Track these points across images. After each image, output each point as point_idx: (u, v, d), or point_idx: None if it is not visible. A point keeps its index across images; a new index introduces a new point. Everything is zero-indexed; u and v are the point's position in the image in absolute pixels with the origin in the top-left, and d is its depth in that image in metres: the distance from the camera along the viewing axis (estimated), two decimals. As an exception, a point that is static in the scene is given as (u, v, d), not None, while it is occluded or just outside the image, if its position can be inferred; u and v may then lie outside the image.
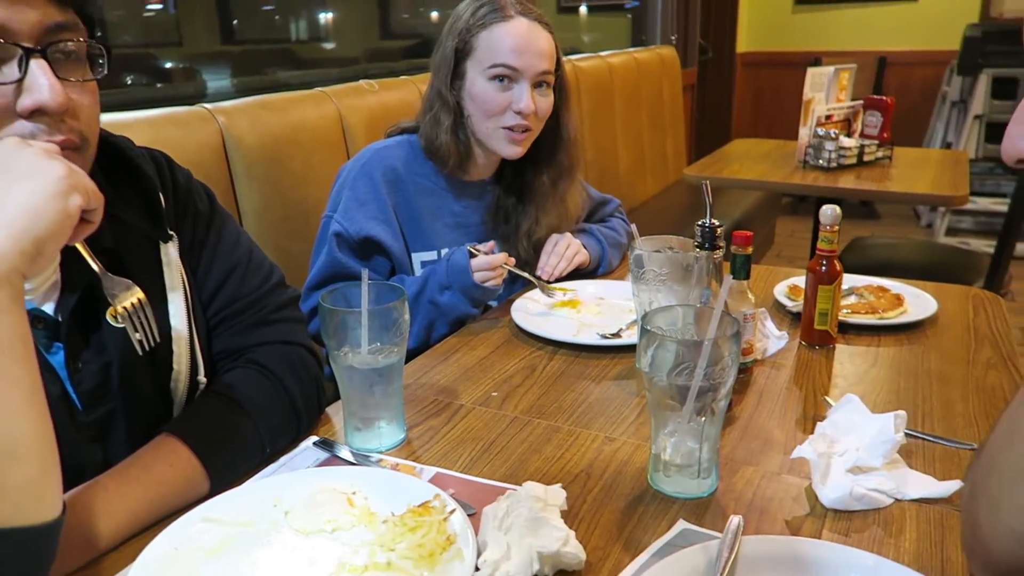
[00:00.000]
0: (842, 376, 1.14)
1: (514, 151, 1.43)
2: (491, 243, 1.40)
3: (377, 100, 1.96)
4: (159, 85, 2.23)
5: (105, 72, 0.78)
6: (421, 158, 1.47)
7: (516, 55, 1.37)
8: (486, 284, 1.34)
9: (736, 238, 1.07)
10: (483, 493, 0.84)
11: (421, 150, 1.47)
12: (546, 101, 1.43)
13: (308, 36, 2.77)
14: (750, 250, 1.08)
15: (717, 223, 1.03)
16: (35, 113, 0.71)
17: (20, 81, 0.70)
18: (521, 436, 0.98)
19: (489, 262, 1.35)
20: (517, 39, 1.37)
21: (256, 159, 1.61)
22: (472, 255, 1.36)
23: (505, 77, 1.38)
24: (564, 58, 1.47)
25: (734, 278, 1.07)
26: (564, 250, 1.52)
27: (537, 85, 1.41)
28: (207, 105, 1.58)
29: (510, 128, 1.40)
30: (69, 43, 0.74)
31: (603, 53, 3.43)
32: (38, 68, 0.71)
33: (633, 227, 1.17)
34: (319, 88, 1.87)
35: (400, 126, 1.52)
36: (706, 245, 1.03)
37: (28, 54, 0.70)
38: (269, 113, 1.68)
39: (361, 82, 2.00)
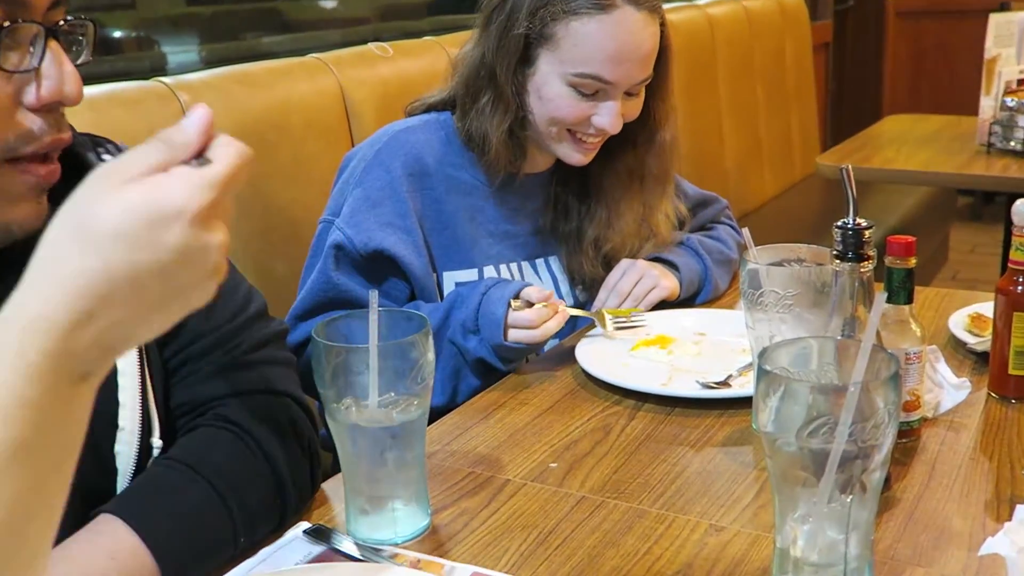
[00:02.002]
0: (1051, 441, 1.11)
1: (580, 160, 1.47)
2: (547, 292, 1.39)
3: (392, 70, 2.00)
4: (106, 59, 2.32)
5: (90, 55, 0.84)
6: (456, 144, 1.49)
7: (613, 65, 1.37)
8: (521, 343, 1.34)
9: (892, 246, 1.06)
10: (538, 601, 0.83)
11: (456, 134, 1.49)
12: (635, 104, 1.46)
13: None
14: (913, 262, 1.07)
15: (864, 223, 1.02)
16: (45, 106, 0.77)
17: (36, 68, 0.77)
18: (591, 523, 0.97)
19: (531, 319, 1.34)
20: (619, 44, 1.37)
21: (230, 151, 1.64)
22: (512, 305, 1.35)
23: (593, 88, 1.39)
24: None
25: (890, 301, 1.06)
26: (631, 286, 1.51)
27: (629, 92, 1.43)
28: (166, 80, 1.64)
29: (581, 136, 1.44)
30: (66, 21, 0.79)
31: (700, 1, 3.44)
32: (53, 52, 0.77)
33: (745, 232, 1.16)
34: (314, 55, 1.92)
35: (425, 101, 1.54)
36: (849, 255, 1.01)
37: (46, 35, 0.76)
38: (247, 88, 1.73)
39: (370, 46, 2.04)
